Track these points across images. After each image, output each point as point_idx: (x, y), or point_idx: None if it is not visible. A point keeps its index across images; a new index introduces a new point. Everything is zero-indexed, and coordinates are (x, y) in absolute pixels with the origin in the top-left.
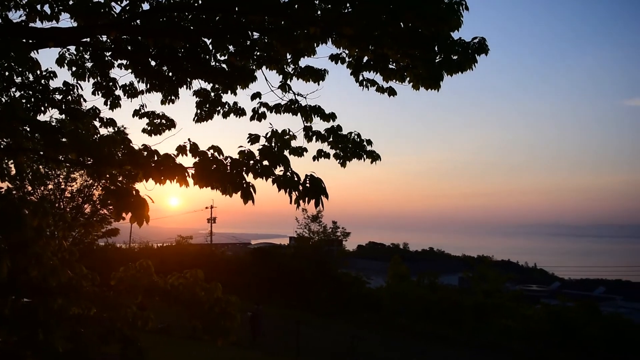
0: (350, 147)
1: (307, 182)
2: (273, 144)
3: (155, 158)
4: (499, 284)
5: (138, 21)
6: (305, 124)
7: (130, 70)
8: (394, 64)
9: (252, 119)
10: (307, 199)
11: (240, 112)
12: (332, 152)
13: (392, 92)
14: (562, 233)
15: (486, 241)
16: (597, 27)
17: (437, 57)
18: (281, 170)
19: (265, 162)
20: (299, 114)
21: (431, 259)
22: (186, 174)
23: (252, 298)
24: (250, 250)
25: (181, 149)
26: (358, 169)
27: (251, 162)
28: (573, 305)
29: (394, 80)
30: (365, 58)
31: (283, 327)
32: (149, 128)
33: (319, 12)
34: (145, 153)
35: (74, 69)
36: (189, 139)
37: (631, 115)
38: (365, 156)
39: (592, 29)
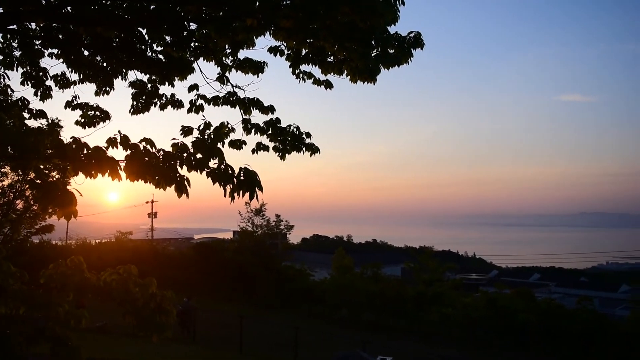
0: (290, 140)
1: (242, 175)
2: (206, 136)
3: (85, 151)
4: (439, 273)
5: (68, 8)
6: (244, 117)
7: (62, 60)
8: (332, 57)
9: (189, 111)
10: (241, 191)
11: (177, 104)
12: (271, 144)
13: (328, 84)
14: (499, 223)
15: (427, 232)
16: (531, 27)
17: (374, 51)
18: (215, 163)
19: (199, 155)
20: (237, 106)
21: (374, 250)
22: (118, 167)
23: (194, 294)
24: (192, 245)
25: (111, 142)
26: (300, 162)
27: (184, 154)
28: (509, 292)
29: (332, 73)
30: (304, 51)
31: (226, 321)
32: (82, 120)
33: (257, 4)
34: (75, 146)
35: (0, 57)
36: (119, 131)
37: (564, 109)
38: (304, 149)
39: (526, 29)
